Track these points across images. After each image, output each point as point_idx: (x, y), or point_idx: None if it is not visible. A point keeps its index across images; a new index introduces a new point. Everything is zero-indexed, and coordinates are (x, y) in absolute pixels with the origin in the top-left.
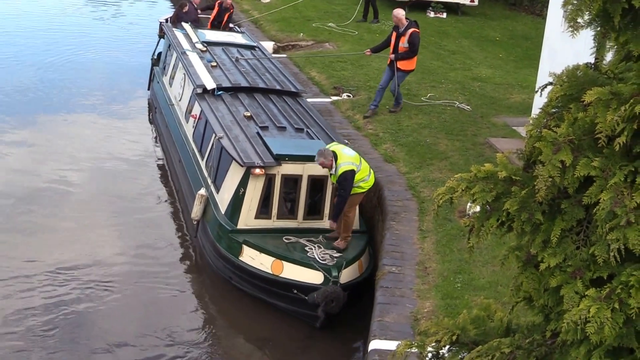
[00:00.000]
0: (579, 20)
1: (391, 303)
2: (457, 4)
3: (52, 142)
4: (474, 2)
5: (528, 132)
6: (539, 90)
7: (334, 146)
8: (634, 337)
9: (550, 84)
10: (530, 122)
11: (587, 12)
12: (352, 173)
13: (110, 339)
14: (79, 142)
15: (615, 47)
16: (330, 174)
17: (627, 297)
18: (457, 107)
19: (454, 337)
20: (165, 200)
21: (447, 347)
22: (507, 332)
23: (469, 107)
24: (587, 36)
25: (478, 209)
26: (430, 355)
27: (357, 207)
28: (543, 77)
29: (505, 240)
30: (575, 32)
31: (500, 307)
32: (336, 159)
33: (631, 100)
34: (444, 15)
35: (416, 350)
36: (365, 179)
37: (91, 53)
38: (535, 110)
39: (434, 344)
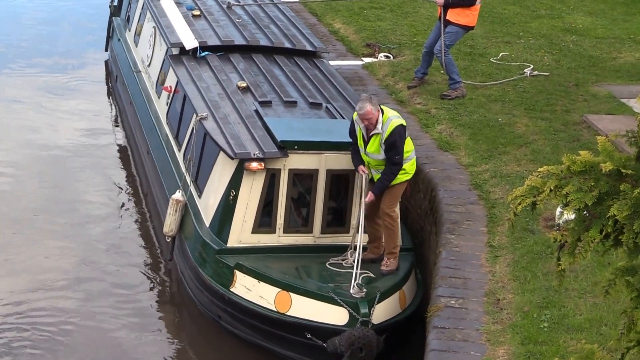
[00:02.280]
0: None
1: (449, 350)
2: None
3: None
4: None
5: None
6: None
7: None
8: None
9: None
10: None
11: None
12: (403, 130)
13: None
14: (9, 123)
15: None
16: (373, 135)
17: None
18: (530, 75)
19: None
20: (129, 208)
21: None
22: None
23: (547, 73)
24: None
25: (573, 216)
26: None
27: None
28: None
29: (609, 259)
30: None
31: (607, 355)
32: (382, 113)
33: None
34: None
35: None
36: (409, 158)
37: (33, 7)
38: None
39: None
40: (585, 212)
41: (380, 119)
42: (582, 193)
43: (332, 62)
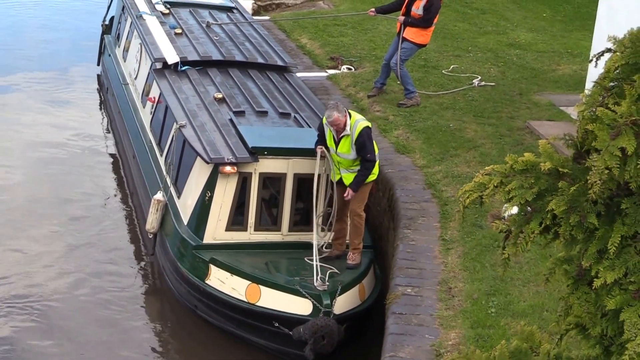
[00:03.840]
0: None
1: (406, 334)
2: None
3: None
4: None
5: (580, 112)
6: (594, 59)
7: None
8: None
9: (609, 50)
10: (583, 99)
11: None
12: (370, 130)
13: None
14: (9, 128)
15: None
16: (342, 137)
17: None
18: (478, 85)
19: None
20: (117, 206)
21: None
22: None
23: (493, 83)
24: None
25: (516, 210)
26: None
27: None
28: (600, 42)
29: (551, 252)
30: None
31: (547, 336)
32: (349, 116)
33: None
34: None
35: None
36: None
37: (28, 14)
38: (590, 85)
39: None
40: (527, 207)
41: (349, 122)
42: (524, 190)
43: (299, 74)
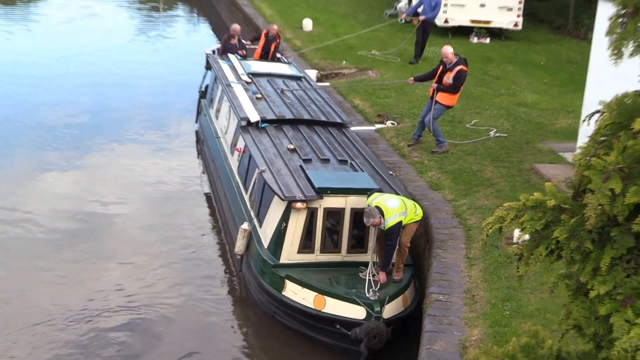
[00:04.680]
0: (623, 49)
1: (439, 331)
2: (500, 29)
3: (101, 170)
4: (517, 26)
5: (576, 160)
6: (586, 119)
7: (377, 200)
8: None
9: (598, 112)
10: (579, 150)
11: (631, 41)
12: (398, 226)
13: None
14: (127, 172)
15: None
16: (379, 228)
17: None
18: (494, 136)
19: None
20: (212, 234)
21: None
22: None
23: (505, 134)
24: (636, 62)
25: (527, 237)
26: None
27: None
28: (589, 102)
29: (553, 267)
30: (618, 60)
31: (549, 334)
32: (383, 215)
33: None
34: (487, 40)
35: None
36: (415, 214)
37: (141, 84)
38: (582, 136)
39: None
40: (536, 234)
41: (382, 221)
42: (534, 221)
43: (354, 128)
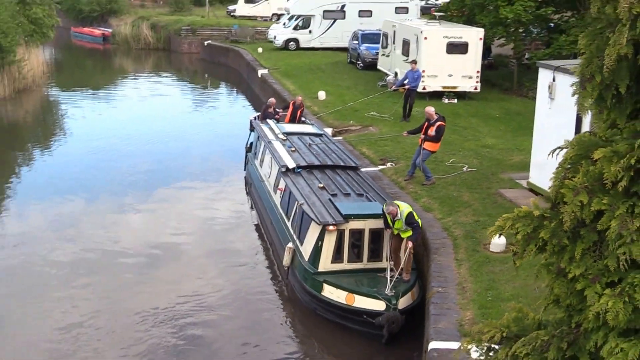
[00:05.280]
0: (585, 104)
1: (441, 314)
2: (464, 91)
3: (168, 210)
4: (476, 89)
5: (553, 182)
6: (552, 153)
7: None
8: None
9: (560, 147)
10: (553, 175)
11: (590, 99)
12: (411, 214)
13: (223, 349)
14: (191, 210)
15: (606, 120)
16: (396, 220)
17: (633, 293)
18: (467, 170)
19: (504, 334)
20: (262, 253)
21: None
22: (539, 327)
23: (475, 169)
24: (566, 113)
25: (503, 240)
26: (485, 348)
27: None
28: (536, 141)
29: (525, 265)
30: (584, 112)
31: (531, 310)
32: (398, 208)
33: (627, 155)
34: (455, 100)
35: (474, 346)
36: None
37: (198, 142)
38: (533, 168)
39: (488, 340)
40: (527, 236)
41: (399, 212)
42: (525, 226)
43: (364, 169)
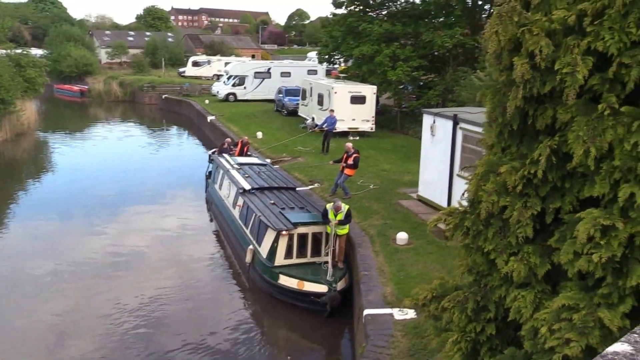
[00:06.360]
0: (491, 136)
1: (369, 290)
2: (364, 131)
3: (133, 224)
4: (372, 129)
5: (470, 188)
6: (464, 169)
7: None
8: (532, 277)
9: (469, 166)
10: (470, 184)
11: (493, 134)
12: (349, 210)
13: (194, 331)
14: (158, 226)
15: (503, 147)
16: (339, 213)
17: (529, 258)
18: (372, 187)
19: (433, 294)
20: (223, 256)
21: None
22: (456, 289)
23: (378, 186)
24: (443, 146)
25: (406, 236)
26: (421, 304)
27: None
28: (422, 166)
29: (421, 253)
30: (485, 145)
31: (451, 280)
32: (342, 205)
33: (521, 170)
34: (357, 138)
35: (413, 302)
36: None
37: (163, 175)
38: (420, 184)
39: (423, 298)
40: (454, 225)
41: (342, 206)
42: (453, 218)
43: (299, 189)
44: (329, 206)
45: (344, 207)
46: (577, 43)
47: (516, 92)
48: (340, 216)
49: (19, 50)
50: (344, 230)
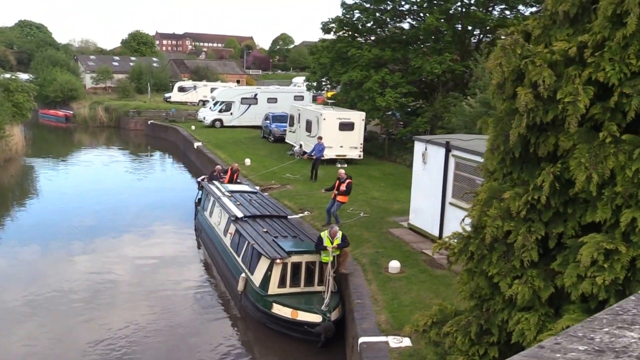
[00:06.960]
0: (493, 163)
1: (362, 317)
2: (352, 158)
3: (118, 251)
4: (360, 157)
5: (473, 213)
6: (464, 194)
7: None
8: (536, 300)
9: (470, 192)
10: (473, 210)
11: (495, 161)
12: (344, 235)
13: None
14: (144, 254)
15: (505, 174)
16: (335, 238)
17: (532, 281)
18: (363, 215)
19: (433, 320)
20: (213, 284)
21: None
22: (455, 314)
23: (368, 215)
24: (435, 173)
25: (398, 264)
26: (421, 331)
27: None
28: (414, 194)
29: (413, 281)
30: (485, 174)
31: (450, 305)
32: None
33: (524, 195)
34: (346, 165)
35: (413, 329)
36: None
37: (148, 200)
38: (412, 212)
39: (423, 325)
40: (459, 250)
41: (338, 232)
42: (458, 243)
43: (290, 217)
44: (323, 234)
45: (340, 232)
46: (578, 73)
47: (520, 121)
48: (337, 241)
49: (7, 75)
50: (338, 251)
